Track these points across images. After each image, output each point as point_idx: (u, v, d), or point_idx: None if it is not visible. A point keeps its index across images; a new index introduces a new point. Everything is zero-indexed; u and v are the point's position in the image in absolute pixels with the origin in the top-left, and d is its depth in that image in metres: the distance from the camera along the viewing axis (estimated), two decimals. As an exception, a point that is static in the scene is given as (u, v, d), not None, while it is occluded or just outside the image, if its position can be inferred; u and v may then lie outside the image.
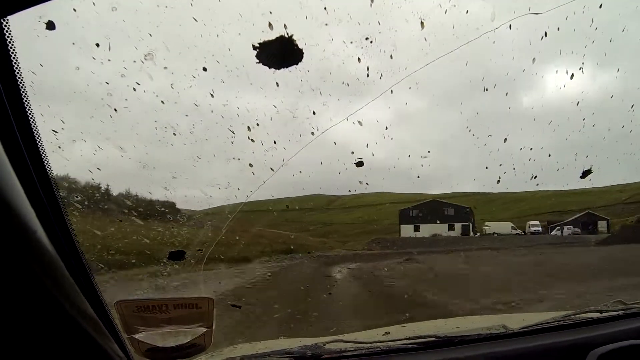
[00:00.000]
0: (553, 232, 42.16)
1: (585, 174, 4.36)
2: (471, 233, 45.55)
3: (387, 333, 2.03)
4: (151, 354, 1.22)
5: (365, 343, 1.66)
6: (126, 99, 3.49)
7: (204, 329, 1.27)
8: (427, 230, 44.27)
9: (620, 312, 1.78)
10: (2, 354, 0.88)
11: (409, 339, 1.66)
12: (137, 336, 1.20)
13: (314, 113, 4.02)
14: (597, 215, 43.04)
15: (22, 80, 0.90)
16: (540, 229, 43.60)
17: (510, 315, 2.72)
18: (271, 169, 2.89)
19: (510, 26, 2.97)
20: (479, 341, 1.63)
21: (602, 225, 42.05)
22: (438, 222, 45.49)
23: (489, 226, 44.83)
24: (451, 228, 46.28)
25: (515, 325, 1.73)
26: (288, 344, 1.91)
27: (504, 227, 44.20)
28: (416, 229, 46.07)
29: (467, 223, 46.45)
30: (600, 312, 1.80)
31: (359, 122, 3.44)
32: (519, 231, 43.39)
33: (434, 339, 1.65)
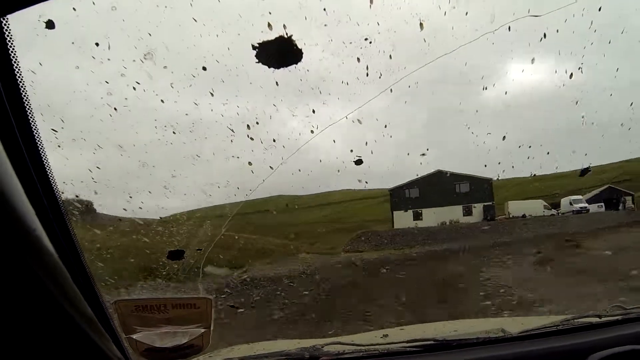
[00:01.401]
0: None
1: (584, 172, 4.37)
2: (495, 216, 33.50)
3: (385, 336, 2.02)
4: (149, 354, 1.21)
5: (364, 346, 1.66)
6: (126, 98, 3.50)
7: (202, 330, 1.26)
8: (432, 216, 31.91)
9: (619, 317, 1.77)
10: (2, 354, 0.88)
11: (408, 342, 1.65)
12: (135, 336, 1.20)
13: (313, 111, 4.05)
14: (620, 190, 36.99)
15: (22, 79, 0.89)
16: (586, 205, 32.98)
17: (509, 319, 2.73)
18: (270, 167, 2.89)
19: (509, 28, 2.98)
20: (477, 345, 1.63)
21: (627, 200, 35.69)
22: (447, 203, 32.42)
23: (513, 206, 34.76)
24: (468, 211, 33.55)
25: (514, 329, 1.73)
26: (286, 345, 1.91)
27: (535, 206, 33.82)
28: (417, 216, 32.87)
29: (490, 203, 33.77)
30: (599, 317, 1.79)
31: (358, 120, 3.46)
32: (553, 211, 33.95)
33: (432, 342, 1.64)
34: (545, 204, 34.56)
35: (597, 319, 1.77)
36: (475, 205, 33.65)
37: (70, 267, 1.00)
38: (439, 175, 29.87)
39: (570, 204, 33.49)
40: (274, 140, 3.87)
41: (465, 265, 14.23)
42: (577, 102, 5.78)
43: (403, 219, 32.77)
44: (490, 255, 15.52)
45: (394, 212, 34.23)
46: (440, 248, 20.26)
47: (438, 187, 31.62)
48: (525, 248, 16.25)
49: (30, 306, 0.86)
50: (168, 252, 3.22)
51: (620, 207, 34.50)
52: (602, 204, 34.66)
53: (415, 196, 33.91)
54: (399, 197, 34.14)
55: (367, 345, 1.65)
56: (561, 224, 25.09)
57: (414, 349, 1.61)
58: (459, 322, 2.82)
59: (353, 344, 1.69)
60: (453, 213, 32.76)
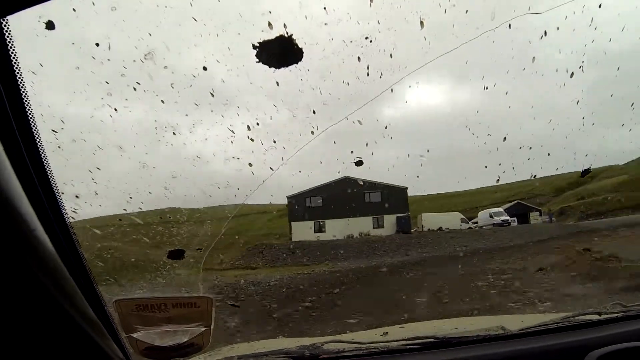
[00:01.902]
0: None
1: (585, 172, 4.37)
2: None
3: (385, 333, 2.03)
4: (150, 353, 1.22)
5: (364, 343, 1.66)
6: (126, 99, 3.51)
7: (203, 328, 1.27)
8: (337, 228, 27.45)
9: (619, 314, 1.78)
10: (2, 354, 0.88)
11: (408, 339, 1.66)
12: (135, 335, 1.20)
13: (314, 112, 4.05)
14: (528, 205, 39.06)
15: (22, 80, 0.90)
16: (508, 218, 32.41)
17: (509, 317, 2.73)
18: (270, 168, 2.89)
19: (509, 25, 2.97)
20: (477, 342, 1.63)
21: (533, 215, 37.15)
22: (356, 214, 27.68)
23: (427, 219, 31.90)
24: (378, 223, 30.26)
25: (513, 326, 1.73)
26: (286, 343, 1.91)
27: (451, 219, 31.47)
28: (319, 228, 28.85)
29: (404, 214, 30.50)
30: (599, 314, 1.79)
31: (358, 121, 3.46)
32: (471, 224, 32.33)
33: (432, 339, 1.65)
34: (463, 217, 33.07)
35: (597, 316, 1.78)
36: (388, 216, 30.39)
37: (71, 267, 1.00)
38: (346, 182, 24.75)
39: (491, 216, 32.51)
40: (274, 142, 3.87)
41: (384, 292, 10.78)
42: (577, 102, 5.78)
43: (303, 231, 28.52)
44: (420, 278, 12.41)
45: (292, 223, 29.72)
46: (347, 267, 16.52)
47: (345, 196, 26.79)
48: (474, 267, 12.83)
49: (30, 306, 0.86)
50: (168, 252, 3.22)
51: (548, 219, 35.49)
52: (515, 218, 34.26)
53: (317, 205, 29.37)
54: (298, 206, 29.52)
55: (367, 343, 1.66)
56: (494, 237, 22.04)
57: (414, 346, 1.62)
58: (458, 319, 2.83)
59: (353, 342, 1.69)
60: (362, 225, 28.85)
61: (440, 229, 30.04)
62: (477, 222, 33.39)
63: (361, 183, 24.18)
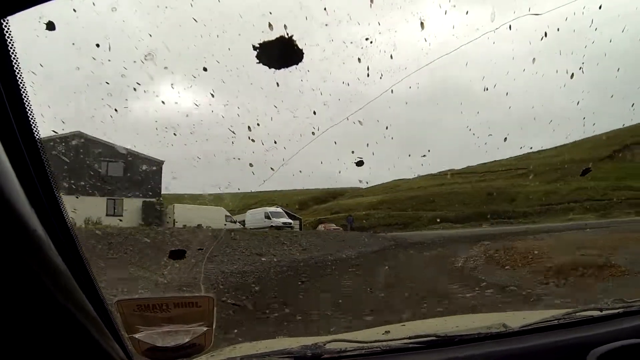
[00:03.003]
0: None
1: (585, 172, 4.39)
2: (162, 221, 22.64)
3: (387, 332, 2.03)
4: (151, 354, 1.22)
5: (365, 342, 1.66)
6: (126, 99, 3.52)
7: (205, 328, 1.26)
8: None
9: (620, 311, 1.78)
10: (2, 354, 0.88)
11: (409, 338, 1.65)
12: (137, 335, 1.20)
13: (314, 113, 4.05)
14: (289, 213, 35.22)
15: (22, 80, 0.90)
16: (291, 221, 29.01)
17: (510, 314, 2.73)
18: (271, 168, 2.90)
19: (510, 27, 2.98)
20: (479, 340, 1.63)
21: (294, 223, 32.51)
22: (84, 190, 15.13)
23: (182, 212, 23.80)
24: (116, 209, 21.58)
25: (515, 324, 1.73)
26: (288, 343, 1.91)
27: (215, 215, 23.62)
28: None
29: (155, 199, 23.09)
30: (601, 310, 1.80)
31: (359, 121, 3.46)
32: (238, 224, 26.92)
33: (434, 338, 1.64)
34: (228, 213, 26.24)
35: (599, 313, 1.78)
36: (131, 200, 22.07)
37: (72, 267, 1.00)
38: (78, 140, 15.81)
39: (267, 217, 27.87)
40: (275, 142, 3.88)
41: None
42: (578, 103, 5.77)
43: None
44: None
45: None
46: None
47: (74, 161, 16.79)
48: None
49: (31, 306, 0.86)
50: (169, 252, 3.22)
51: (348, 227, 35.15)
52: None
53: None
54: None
55: (369, 342, 1.66)
56: (298, 243, 17.29)
57: (416, 345, 1.62)
58: (460, 317, 2.83)
59: (355, 341, 1.69)
60: (91, 208, 18.39)
61: (199, 225, 21.91)
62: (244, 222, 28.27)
63: (100, 146, 16.08)
